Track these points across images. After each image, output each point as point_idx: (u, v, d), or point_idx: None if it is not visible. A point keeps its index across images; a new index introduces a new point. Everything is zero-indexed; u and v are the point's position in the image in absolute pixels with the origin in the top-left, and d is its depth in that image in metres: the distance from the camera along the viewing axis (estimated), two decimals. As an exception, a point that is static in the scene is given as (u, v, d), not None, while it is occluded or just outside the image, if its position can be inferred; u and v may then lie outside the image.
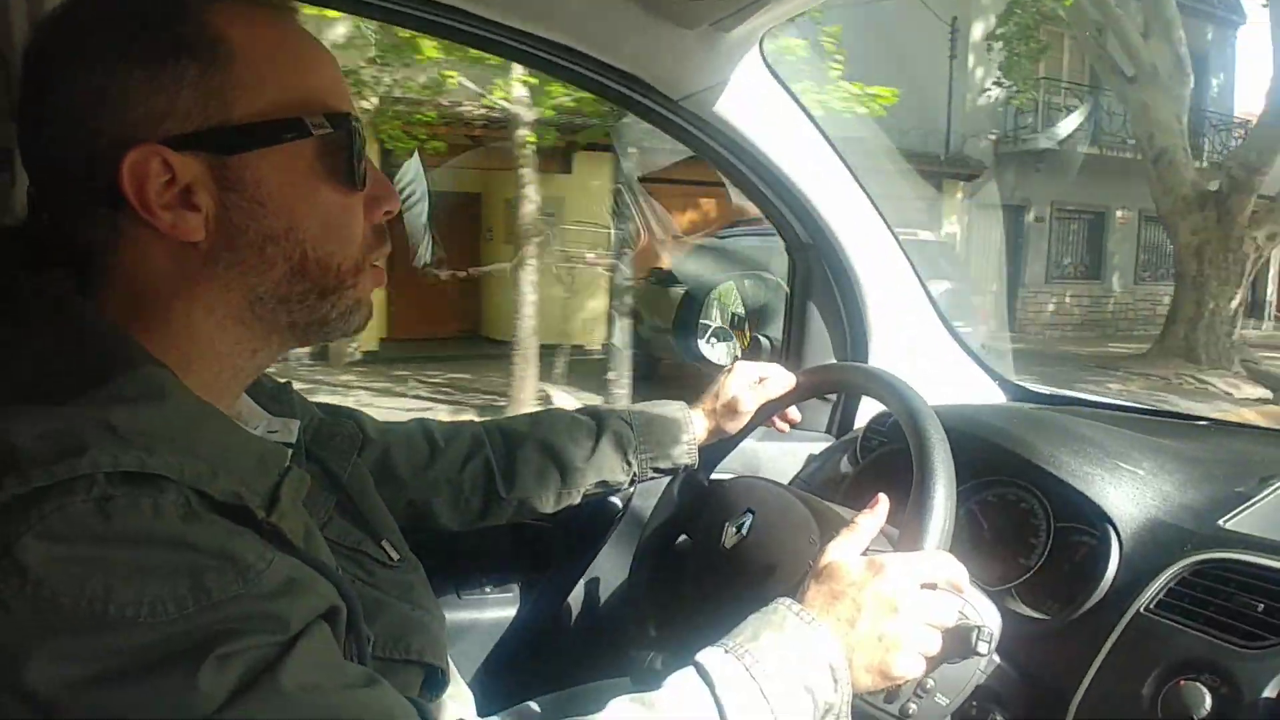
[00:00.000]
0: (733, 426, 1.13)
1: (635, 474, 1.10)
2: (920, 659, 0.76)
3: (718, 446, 1.15)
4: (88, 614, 0.47)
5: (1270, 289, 19.14)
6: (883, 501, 0.86)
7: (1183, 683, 0.79)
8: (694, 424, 1.12)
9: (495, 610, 1.40)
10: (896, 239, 1.41)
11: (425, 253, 5.59)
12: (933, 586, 0.79)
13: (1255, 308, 18.48)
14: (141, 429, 0.53)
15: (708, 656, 0.71)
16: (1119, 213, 16.68)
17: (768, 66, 1.26)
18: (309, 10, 1.00)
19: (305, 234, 0.64)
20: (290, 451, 0.73)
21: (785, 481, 1.38)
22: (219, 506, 0.53)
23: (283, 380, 0.86)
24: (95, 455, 0.49)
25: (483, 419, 1.12)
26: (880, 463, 1.28)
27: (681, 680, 0.70)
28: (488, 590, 1.40)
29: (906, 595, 0.76)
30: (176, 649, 0.49)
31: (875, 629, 0.75)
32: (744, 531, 1.01)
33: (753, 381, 1.13)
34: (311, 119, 0.63)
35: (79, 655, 0.47)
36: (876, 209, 1.39)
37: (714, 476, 1.19)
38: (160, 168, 0.59)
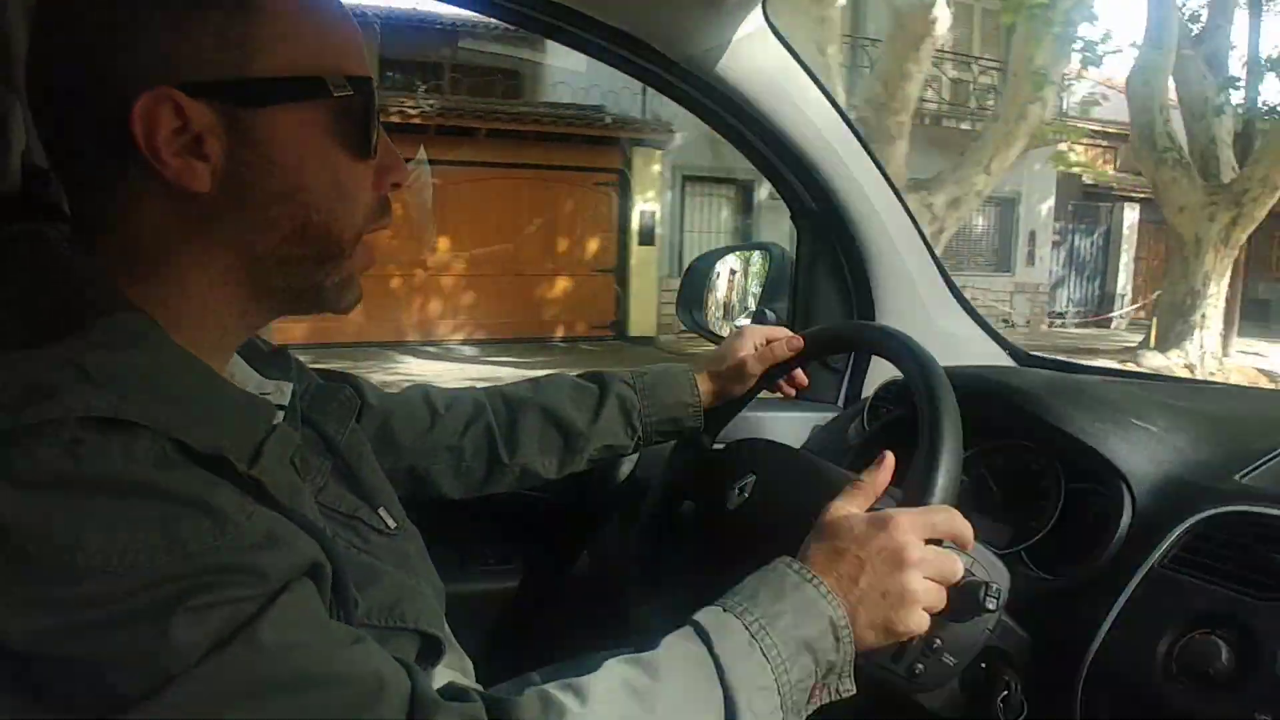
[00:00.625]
0: (738, 389, 1.11)
1: (640, 438, 1.08)
2: (925, 615, 0.74)
3: (722, 410, 1.13)
4: (53, 562, 0.46)
5: (1121, 280, 17.18)
6: (888, 458, 0.84)
7: (1199, 635, 0.77)
8: (699, 387, 1.10)
9: (498, 581, 1.39)
10: (903, 204, 1.39)
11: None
12: (938, 542, 0.77)
13: (1104, 302, 17.23)
14: (116, 374, 0.51)
15: (705, 615, 0.70)
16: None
17: (771, 27, 1.24)
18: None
19: (312, 196, 0.63)
20: (281, 412, 0.72)
21: None
22: (197, 457, 0.52)
23: (279, 345, 0.85)
24: (65, 399, 0.48)
25: (485, 385, 1.11)
26: (887, 430, 1.26)
27: (678, 639, 0.68)
28: (490, 561, 1.39)
29: (911, 550, 0.74)
30: (149, 599, 0.47)
31: (879, 585, 0.73)
32: (746, 493, 0.99)
33: (759, 343, 1.11)
34: (333, 80, 0.62)
35: (49, 604, 0.46)
36: (883, 173, 1.36)
37: (717, 444, 1.18)
38: (172, 113, 0.57)
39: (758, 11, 1.22)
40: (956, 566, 0.76)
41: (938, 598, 0.75)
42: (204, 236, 0.62)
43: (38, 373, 0.49)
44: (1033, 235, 15.32)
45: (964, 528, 0.78)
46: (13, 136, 0.75)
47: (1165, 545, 0.85)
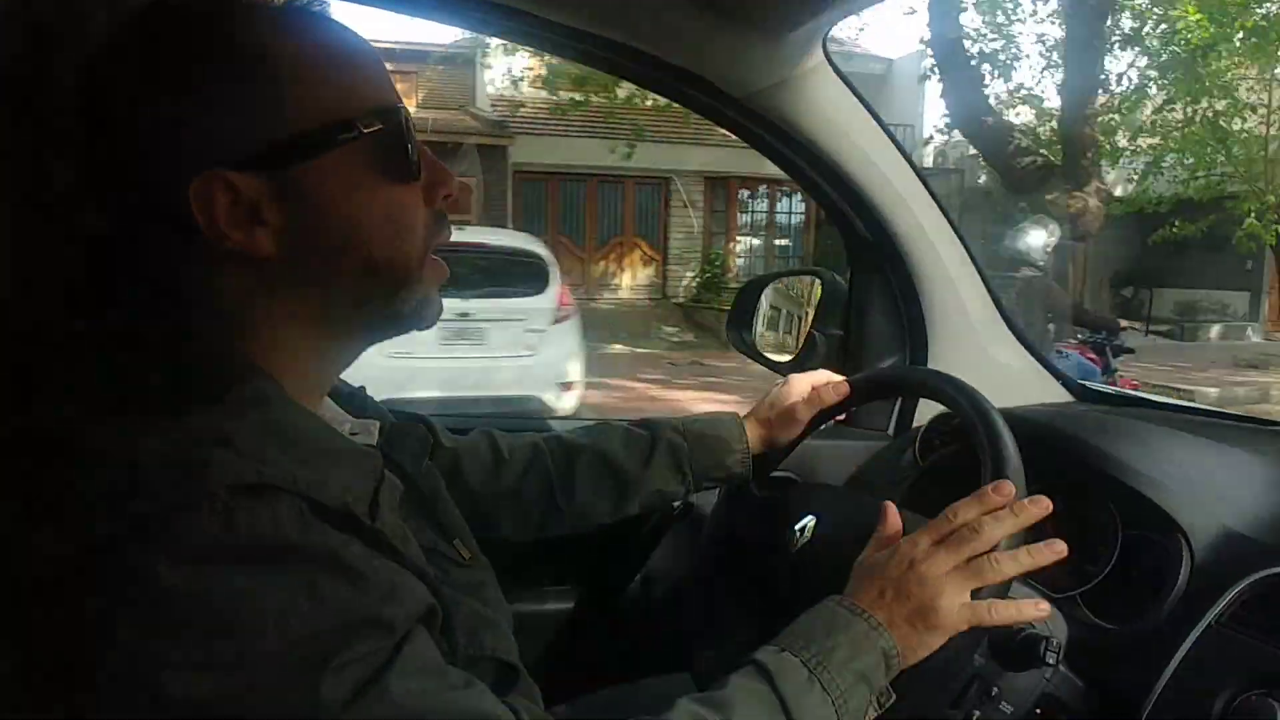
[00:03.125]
0: (786, 436, 1.13)
1: (690, 483, 1.10)
2: (962, 604, 0.76)
3: (771, 456, 1.15)
4: (215, 626, 0.49)
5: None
6: (889, 509, 0.88)
7: (1254, 698, 0.78)
8: (746, 435, 1.12)
9: (553, 602, 1.42)
10: (961, 237, 1.39)
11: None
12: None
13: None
14: (255, 441, 0.54)
15: (765, 654, 0.73)
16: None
17: (831, 64, 1.25)
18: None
19: (370, 234, 0.65)
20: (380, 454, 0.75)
21: (841, 482, 1.38)
22: (329, 514, 0.55)
23: (357, 384, 0.88)
24: (216, 471, 0.51)
25: (541, 431, 1.13)
26: (941, 464, 1.27)
27: (742, 678, 0.72)
28: (546, 583, 1.42)
29: (916, 550, 0.78)
30: (299, 658, 0.50)
31: (901, 590, 0.77)
32: (808, 535, 1.01)
33: (806, 392, 1.13)
34: (361, 119, 0.63)
35: (210, 667, 0.49)
36: (940, 207, 1.37)
37: (772, 474, 1.19)
38: (224, 191, 0.60)
39: (818, 49, 1.23)
40: (971, 530, 0.78)
41: (962, 578, 0.77)
42: (282, 293, 0.65)
43: (187, 447, 0.52)
44: None
45: (970, 509, 0.80)
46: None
47: (1223, 604, 0.85)
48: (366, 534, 0.57)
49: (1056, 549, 0.80)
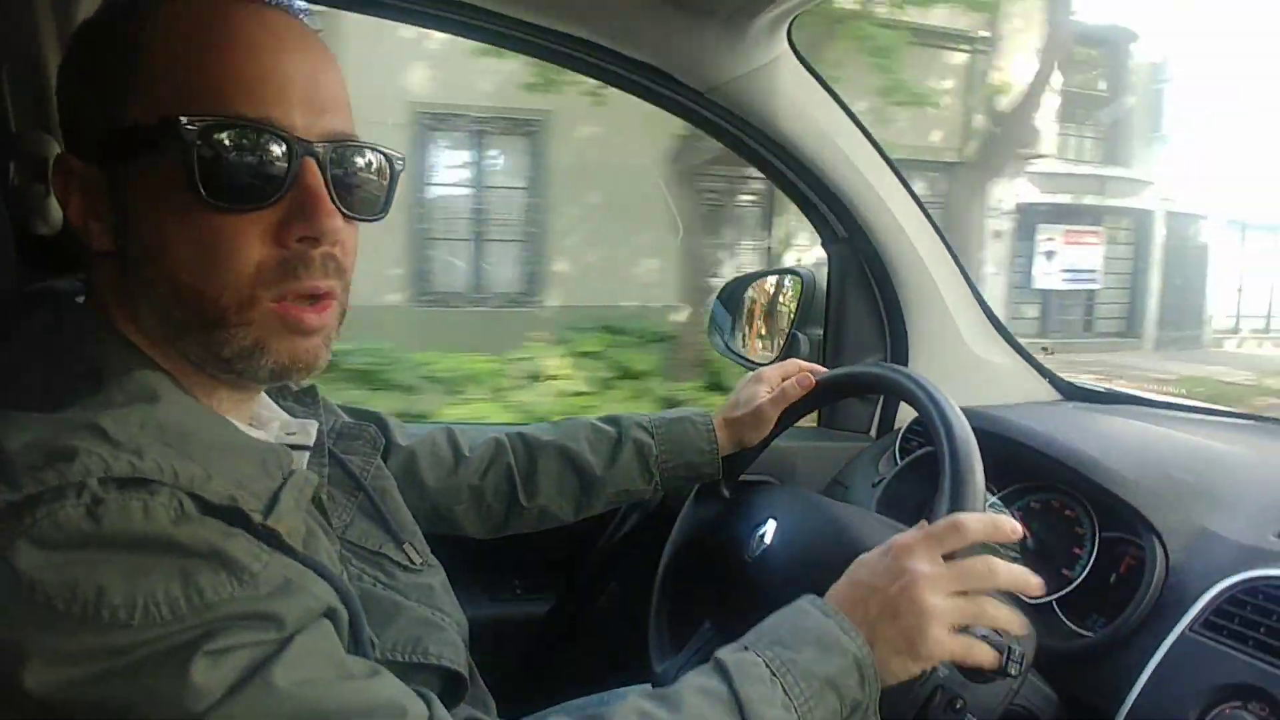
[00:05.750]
0: (754, 437, 1.09)
1: (657, 483, 1.07)
2: (952, 634, 0.70)
3: (741, 457, 1.11)
4: (80, 616, 0.48)
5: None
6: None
7: (1229, 710, 0.73)
8: (716, 435, 1.08)
9: (527, 608, 1.39)
10: (938, 231, 1.35)
11: None
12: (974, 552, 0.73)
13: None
14: (132, 433, 0.52)
15: (727, 652, 0.69)
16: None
17: (797, 54, 1.21)
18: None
19: (174, 257, 0.59)
20: (296, 455, 0.72)
21: (821, 485, 1.34)
22: (213, 509, 0.53)
23: (308, 383, 0.85)
24: (85, 461, 0.50)
25: (504, 425, 1.11)
26: (918, 465, 1.23)
27: (699, 675, 0.68)
28: (518, 592, 1.39)
29: (918, 564, 0.71)
30: (169, 646, 0.49)
31: (889, 606, 0.70)
32: (766, 540, 0.98)
33: (773, 389, 1.09)
34: (192, 121, 0.56)
35: (75, 656, 0.48)
36: (915, 200, 1.33)
37: (742, 478, 1.16)
38: (70, 176, 0.58)
39: (782, 39, 1.20)
40: (988, 570, 0.72)
41: (963, 611, 0.70)
42: (130, 295, 0.61)
43: (58, 435, 0.51)
44: None
45: (972, 527, 0.73)
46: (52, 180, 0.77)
47: (1197, 609, 0.81)
48: (257, 530, 0.55)
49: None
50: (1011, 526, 0.74)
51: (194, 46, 0.58)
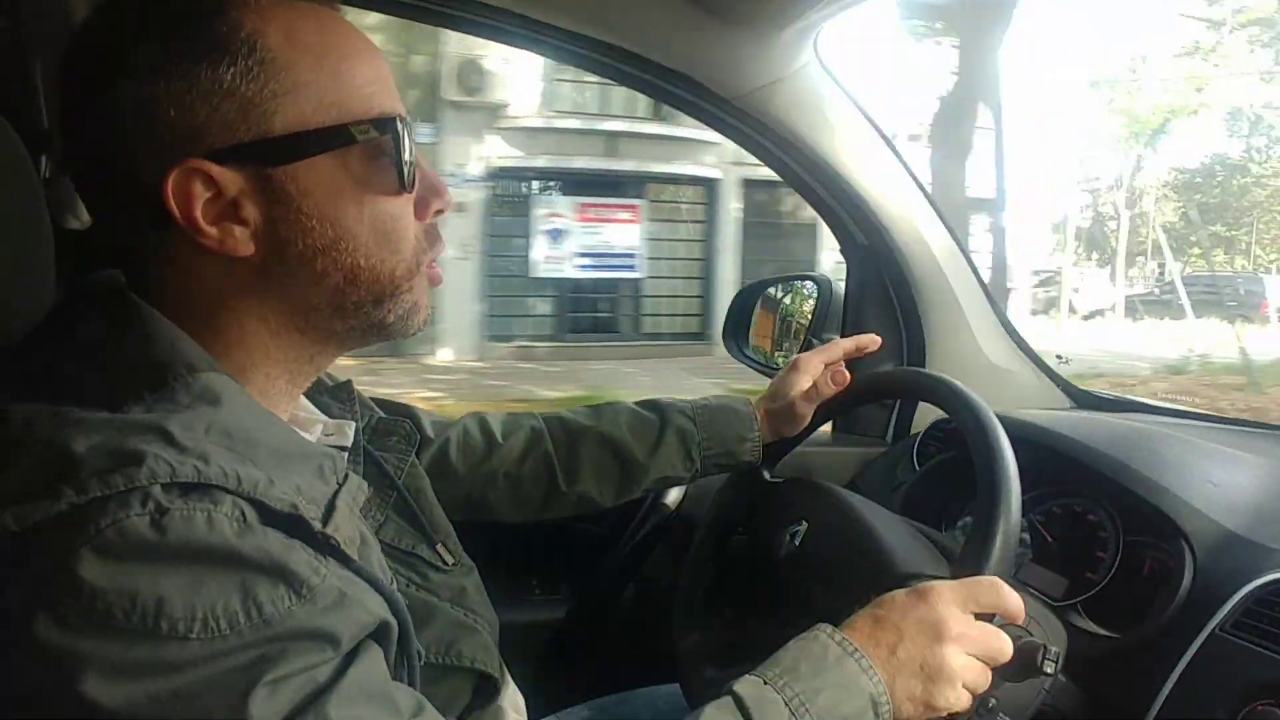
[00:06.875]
0: (789, 431, 1.10)
1: (698, 470, 1.07)
2: (965, 693, 0.71)
3: (780, 445, 1.11)
4: (139, 628, 0.46)
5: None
6: None
7: (1260, 708, 0.75)
8: (759, 421, 1.08)
9: (545, 610, 1.40)
10: (956, 239, 1.37)
11: None
12: (989, 618, 0.74)
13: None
14: (198, 437, 0.52)
15: (745, 686, 0.68)
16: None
17: (822, 64, 1.23)
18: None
19: (355, 243, 0.63)
20: (347, 458, 0.72)
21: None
22: (275, 517, 0.52)
23: (343, 379, 0.86)
24: (151, 465, 0.48)
25: (543, 412, 1.11)
26: (937, 470, 1.25)
27: (718, 710, 0.67)
28: (537, 591, 1.39)
29: (951, 622, 0.72)
30: (229, 667, 0.48)
31: (916, 656, 0.71)
32: (798, 541, 0.99)
33: (810, 384, 1.08)
34: (356, 125, 0.61)
35: (131, 670, 0.46)
36: (935, 209, 1.35)
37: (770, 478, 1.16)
38: (204, 184, 0.58)
39: (809, 48, 1.22)
40: (1004, 646, 0.73)
41: (980, 676, 0.72)
42: (257, 294, 0.63)
43: (125, 438, 0.50)
44: None
45: (1010, 601, 0.75)
46: None
47: (1226, 610, 0.83)
48: (316, 540, 0.54)
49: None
50: (1019, 608, 0.76)
51: (328, 55, 0.62)
